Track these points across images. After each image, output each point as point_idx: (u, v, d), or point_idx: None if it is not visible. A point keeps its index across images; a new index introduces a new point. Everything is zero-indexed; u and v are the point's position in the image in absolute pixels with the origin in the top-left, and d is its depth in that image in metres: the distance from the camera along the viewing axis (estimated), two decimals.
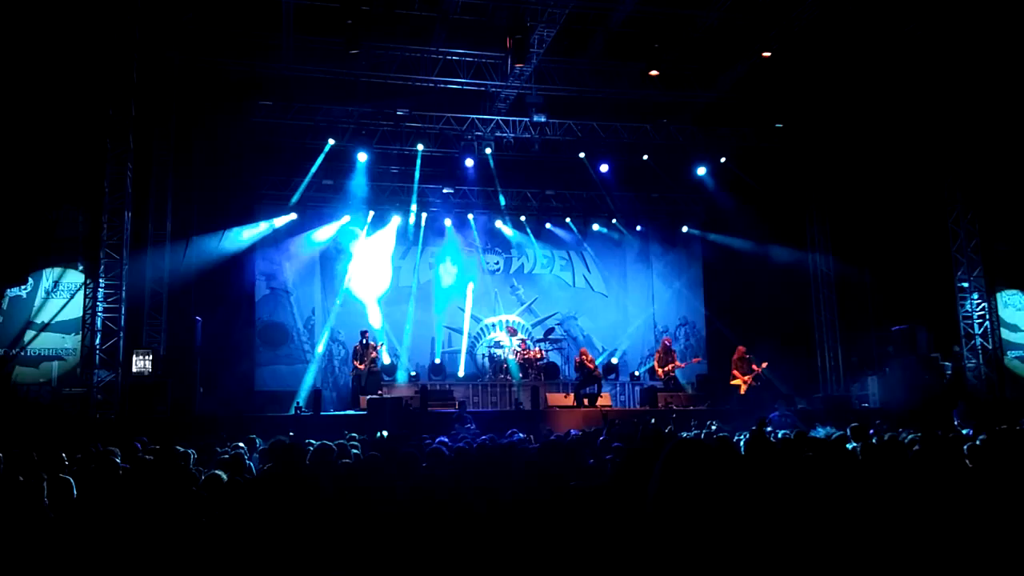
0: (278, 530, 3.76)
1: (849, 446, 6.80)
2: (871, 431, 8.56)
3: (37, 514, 4.64)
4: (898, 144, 15.99)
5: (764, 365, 15.81)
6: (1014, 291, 16.66)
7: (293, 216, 18.10)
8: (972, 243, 16.31)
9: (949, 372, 15.34)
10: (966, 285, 16.37)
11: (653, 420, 11.88)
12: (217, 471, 5.48)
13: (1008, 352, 16.47)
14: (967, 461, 5.68)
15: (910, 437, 7.30)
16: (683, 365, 17.46)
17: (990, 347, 16.18)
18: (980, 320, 16.27)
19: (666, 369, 16.89)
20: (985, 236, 16.29)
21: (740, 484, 2.14)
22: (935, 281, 16.48)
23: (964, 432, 8.78)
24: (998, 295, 16.55)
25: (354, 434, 9.45)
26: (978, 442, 7.18)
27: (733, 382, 16.00)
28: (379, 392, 15.82)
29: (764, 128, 17.39)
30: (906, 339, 15.39)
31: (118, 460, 6.34)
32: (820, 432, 8.62)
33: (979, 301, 16.30)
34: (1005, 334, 16.52)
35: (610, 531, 2.77)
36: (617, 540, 2.58)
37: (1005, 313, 16.60)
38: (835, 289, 18.55)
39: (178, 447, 7.23)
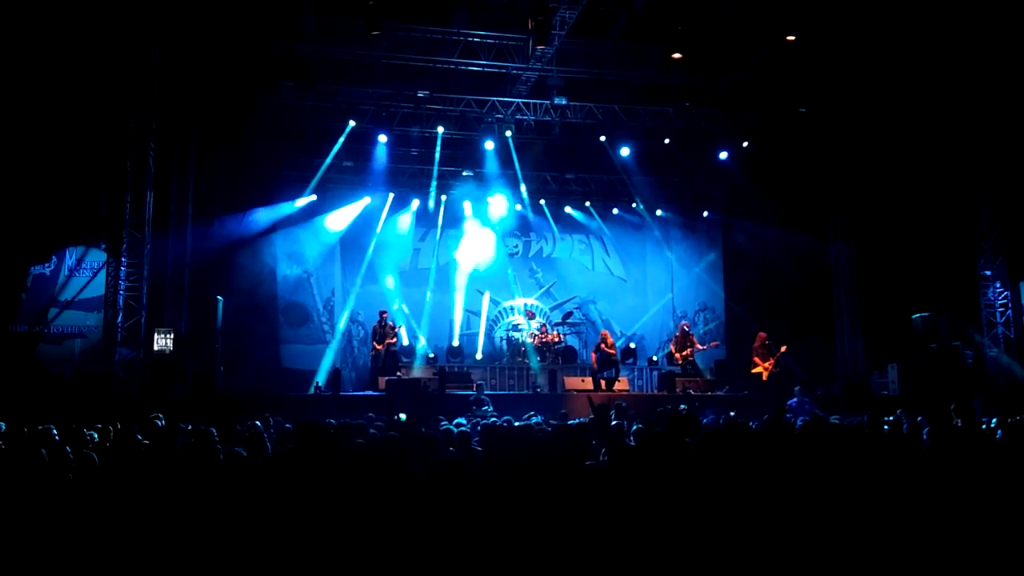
0: (301, 505, 3.81)
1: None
2: (890, 419, 8.51)
3: (62, 486, 4.72)
4: (922, 131, 15.78)
5: (784, 349, 15.73)
6: None
7: (313, 197, 18.15)
8: (995, 231, 16.12)
9: (970, 361, 15.18)
10: (988, 273, 16.20)
11: (684, 407, 11.83)
12: (237, 448, 5.54)
13: None
14: (986, 450, 5.64)
15: (929, 426, 7.24)
16: (703, 348, 17.41)
17: (1012, 336, 16.01)
18: (1002, 309, 16.11)
19: (684, 354, 16.83)
20: (1008, 224, 16.09)
21: (763, 468, 2.16)
22: (957, 269, 16.31)
23: (985, 421, 8.71)
24: (1021, 284, 16.35)
25: (371, 414, 9.51)
26: (998, 433, 7.13)
27: (755, 370, 15.93)
28: (397, 373, 15.93)
29: (787, 113, 17.19)
30: (927, 327, 15.26)
31: (139, 436, 6.42)
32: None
33: (1001, 290, 16.12)
34: None
35: (627, 509, 2.79)
36: (634, 517, 2.60)
37: None
38: (856, 276, 18.40)
39: (199, 425, 7.31)
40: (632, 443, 5.51)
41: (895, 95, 15.50)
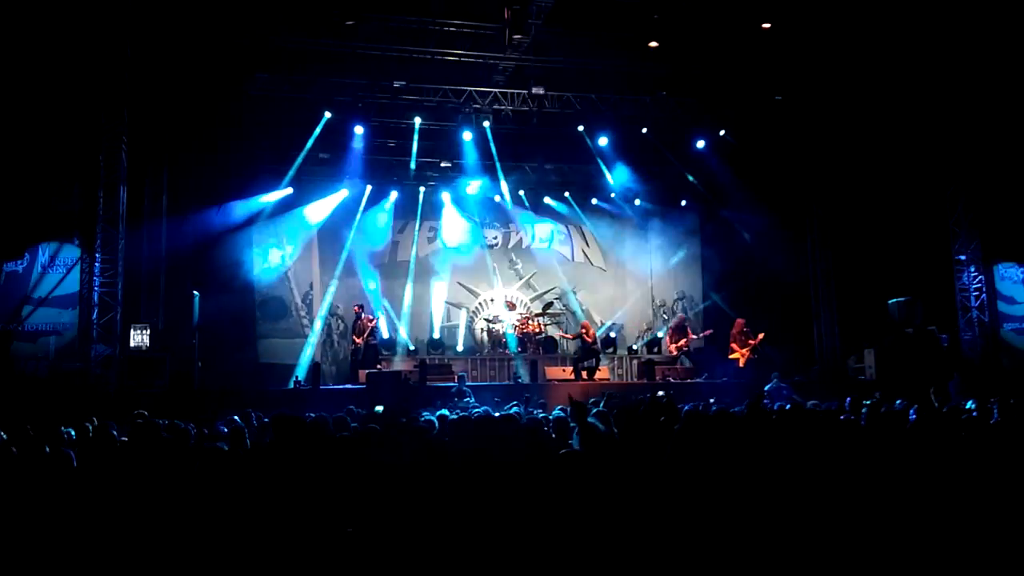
0: (280, 498, 3.79)
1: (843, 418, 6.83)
2: (868, 402, 8.60)
3: (38, 485, 4.66)
4: (896, 117, 15.91)
5: (761, 336, 15.89)
6: (1011, 263, 16.68)
7: (290, 190, 17.99)
8: (969, 216, 16.33)
9: (946, 344, 15.37)
10: (963, 258, 16.40)
11: (661, 393, 11.89)
12: (217, 444, 5.50)
13: (1004, 324, 16.54)
14: (962, 432, 5.71)
15: (906, 408, 7.33)
16: (695, 337, 17.61)
17: (986, 319, 16.24)
18: (977, 293, 16.33)
19: (679, 345, 17.03)
20: (982, 209, 16.30)
21: (742, 450, 2.18)
22: (932, 254, 16.50)
23: (965, 404, 8.83)
24: (995, 268, 16.58)
25: (352, 406, 9.48)
26: (975, 414, 7.23)
27: (732, 356, 16.09)
28: (378, 366, 15.89)
29: (764, 101, 17.25)
30: (903, 312, 15.42)
31: (115, 433, 6.36)
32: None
33: (976, 274, 16.34)
34: (1001, 306, 16.57)
35: (611, 489, 2.79)
36: (618, 496, 2.60)
37: (1001, 286, 16.64)
38: (832, 262, 18.53)
39: (178, 422, 7.25)
40: (603, 429, 5.51)
41: (870, 82, 15.61)
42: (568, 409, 7.52)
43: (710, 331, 18.28)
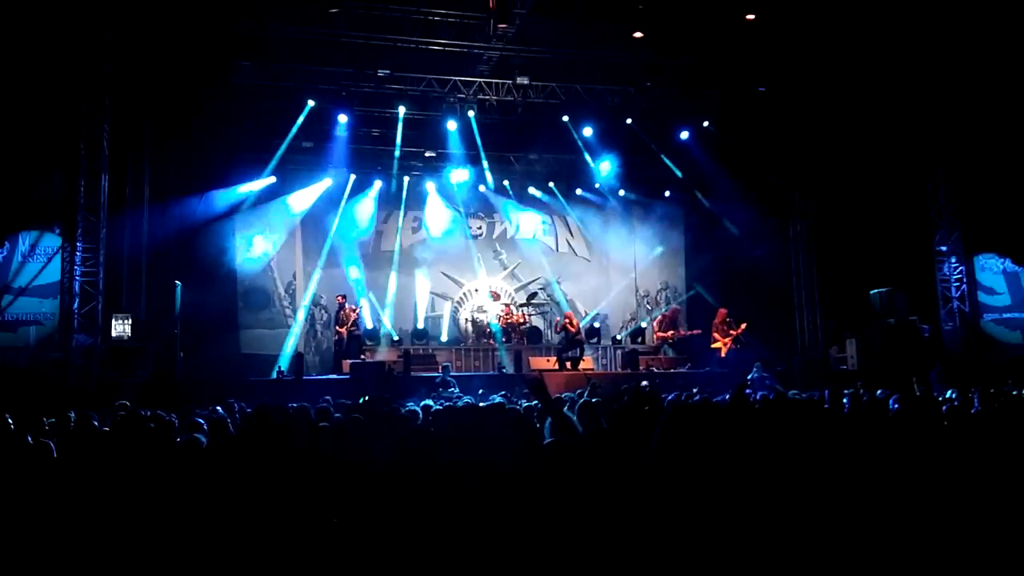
0: (261, 489, 3.77)
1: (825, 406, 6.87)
2: (849, 392, 8.67)
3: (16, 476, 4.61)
4: (879, 108, 15.99)
5: (744, 326, 15.98)
6: (991, 254, 16.83)
7: (273, 179, 17.84)
8: (951, 207, 16.45)
9: (927, 335, 15.52)
10: (944, 249, 16.54)
11: (645, 383, 11.92)
12: (197, 435, 5.47)
13: (984, 315, 16.70)
14: (944, 421, 5.76)
15: (887, 396, 7.38)
16: (684, 335, 17.66)
17: (967, 310, 16.39)
18: (957, 283, 16.47)
19: (666, 335, 17.05)
20: (963, 201, 16.43)
21: (730, 441, 2.18)
22: (913, 245, 16.62)
23: (946, 393, 8.91)
24: (975, 259, 16.72)
25: (328, 397, 9.46)
26: (956, 403, 7.30)
27: (714, 345, 16.17)
28: (362, 356, 15.85)
29: (748, 92, 17.29)
30: (885, 302, 15.53)
31: (96, 423, 6.31)
32: None
33: (956, 265, 16.48)
34: (981, 297, 16.73)
35: (596, 480, 2.80)
36: (605, 488, 2.61)
37: (982, 276, 16.79)
38: (814, 253, 18.64)
39: (161, 412, 7.21)
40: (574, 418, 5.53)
41: (853, 74, 15.67)
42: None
43: (698, 331, 18.27)
